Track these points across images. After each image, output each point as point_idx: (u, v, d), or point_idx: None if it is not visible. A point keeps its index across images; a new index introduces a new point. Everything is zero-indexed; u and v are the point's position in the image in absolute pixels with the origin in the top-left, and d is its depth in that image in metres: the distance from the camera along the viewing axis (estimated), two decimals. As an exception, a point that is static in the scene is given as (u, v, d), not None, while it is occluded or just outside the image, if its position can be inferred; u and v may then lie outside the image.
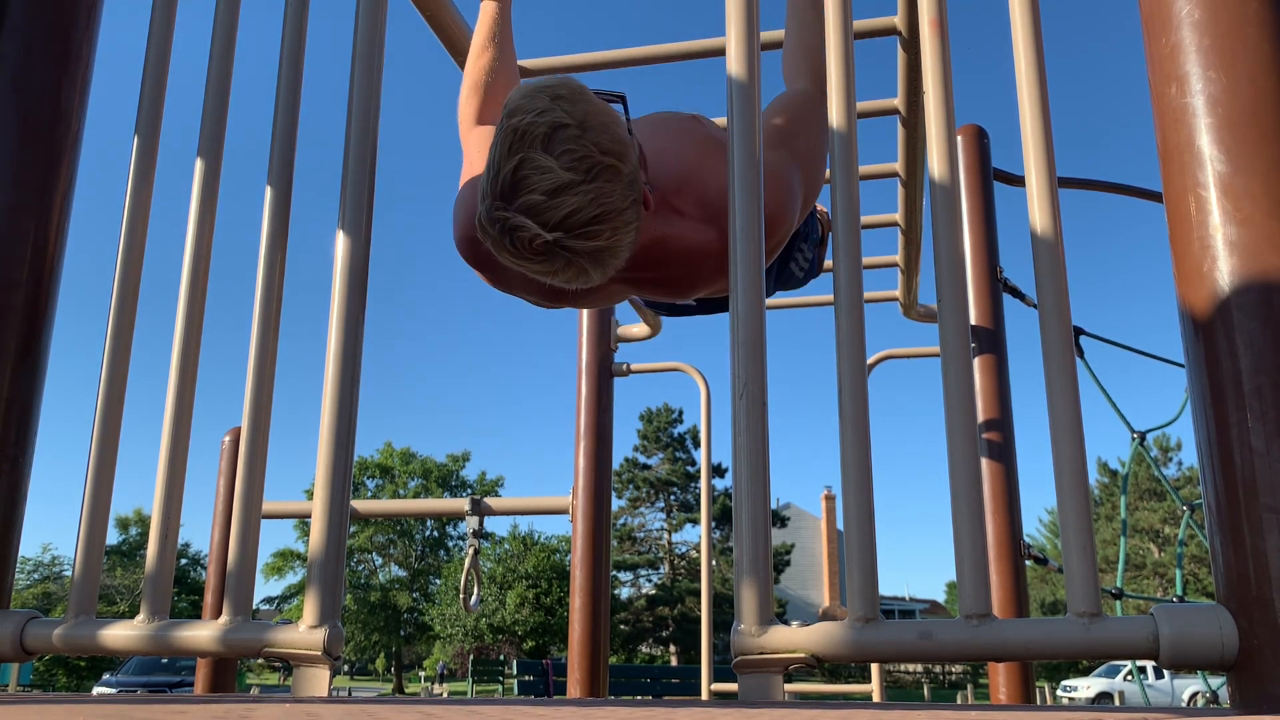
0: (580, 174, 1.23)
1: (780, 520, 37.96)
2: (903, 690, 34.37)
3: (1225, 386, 0.95)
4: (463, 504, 3.44)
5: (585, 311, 3.82)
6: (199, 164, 1.30)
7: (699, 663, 4.72)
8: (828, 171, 1.63)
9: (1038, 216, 1.09)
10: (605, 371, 3.79)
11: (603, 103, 1.32)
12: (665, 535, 35.70)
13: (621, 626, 32.13)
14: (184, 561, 34.82)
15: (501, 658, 30.10)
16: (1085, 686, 25.78)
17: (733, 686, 4.37)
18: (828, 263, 2.76)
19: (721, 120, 1.62)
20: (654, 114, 1.71)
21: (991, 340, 3.24)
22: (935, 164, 1.14)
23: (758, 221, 1.11)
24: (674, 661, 32.02)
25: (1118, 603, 3.60)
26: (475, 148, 1.75)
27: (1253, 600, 0.91)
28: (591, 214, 1.24)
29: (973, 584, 0.98)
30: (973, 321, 3.28)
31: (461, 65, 2.35)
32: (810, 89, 1.63)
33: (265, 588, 40.31)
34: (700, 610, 4.28)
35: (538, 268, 1.29)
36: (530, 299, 1.66)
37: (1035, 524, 42.11)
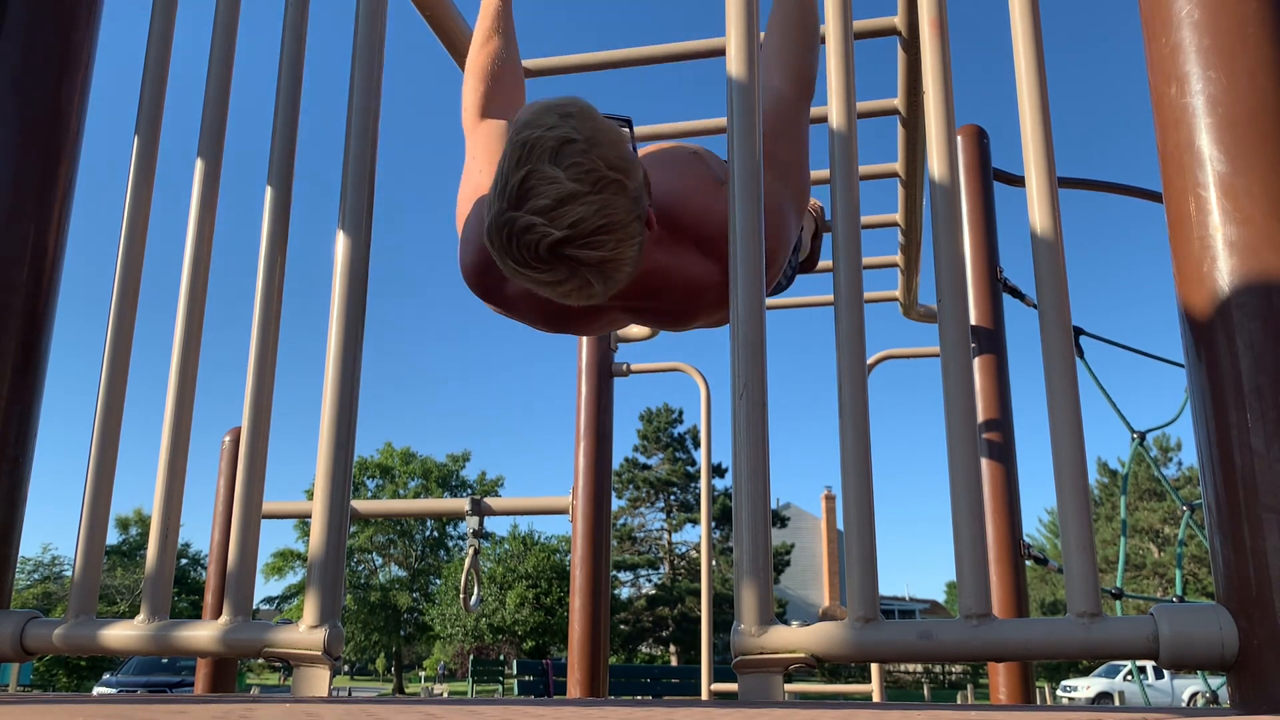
0: (586, 185, 1.25)
1: (780, 520, 37.94)
2: (903, 690, 34.35)
3: (1225, 386, 0.95)
4: (463, 504, 3.44)
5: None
6: (199, 164, 1.30)
7: (699, 663, 4.72)
8: (826, 171, 1.63)
9: (1038, 216, 1.09)
10: (605, 371, 3.79)
11: (610, 123, 1.34)
12: (665, 535, 35.69)
13: (621, 626, 32.12)
14: (184, 561, 34.82)
15: (501, 658, 30.10)
16: (1085, 686, 25.78)
17: (733, 686, 4.37)
18: (827, 262, 2.76)
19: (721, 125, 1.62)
20: (657, 148, 1.70)
21: (991, 340, 3.24)
22: (935, 164, 1.14)
23: (758, 223, 1.11)
24: (674, 661, 32.01)
25: (1118, 603, 3.60)
26: (479, 144, 1.74)
27: (1253, 600, 0.91)
28: (596, 224, 1.26)
29: (973, 584, 0.98)
30: (973, 321, 3.28)
31: (462, 65, 2.35)
32: (785, 90, 1.60)
33: (265, 588, 40.37)
34: (700, 610, 4.28)
35: (543, 276, 1.29)
36: (535, 324, 1.67)
37: (1035, 524, 42.13)
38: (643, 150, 1.72)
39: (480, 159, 1.72)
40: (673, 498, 35.57)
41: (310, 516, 1.24)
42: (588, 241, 1.26)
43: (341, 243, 1.21)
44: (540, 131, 1.26)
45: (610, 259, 1.29)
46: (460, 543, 36.34)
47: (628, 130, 1.43)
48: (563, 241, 1.24)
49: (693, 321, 1.61)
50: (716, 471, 33.02)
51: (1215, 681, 4.90)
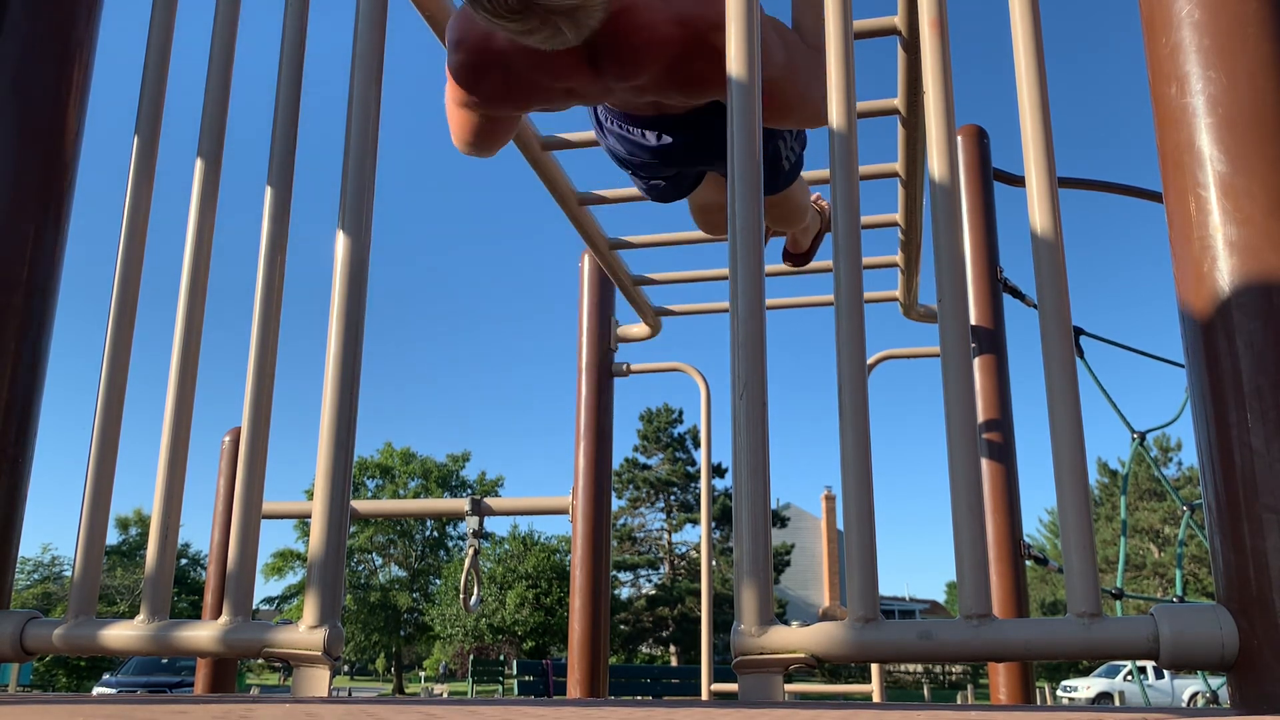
0: None
1: (780, 520, 37.93)
2: (903, 690, 34.35)
3: (1225, 386, 0.95)
4: (463, 504, 3.44)
5: (585, 312, 3.82)
6: (199, 164, 1.29)
7: (699, 663, 4.72)
8: (826, 171, 1.63)
9: (1038, 216, 1.09)
10: (605, 371, 3.78)
11: None
12: (665, 535, 35.68)
13: (621, 626, 32.11)
14: (184, 561, 34.82)
15: (501, 658, 30.09)
16: (1085, 686, 25.78)
17: (733, 687, 4.37)
18: (828, 262, 2.76)
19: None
20: None
21: (991, 340, 3.24)
22: (935, 164, 1.14)
23: (758, 222, 1.11)
24: (674, 661, 32.00)
25: (1118, 603, 3.60)
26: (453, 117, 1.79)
27: (1253, 600, 0.91)
28: None
29: (973, 584, 0.98)
30: (973, 321, 3.28)
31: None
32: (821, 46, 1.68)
33: (265, 588, 40.32)
34: (700, 610, 4.28)
35: (514, 26, 1.38)
36: (527, 106, 1.76)
37: (1035, 524, 42.17)
38: None
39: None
40: (673, 498, 35.56)
41: (310, 516, 1.24)
42: None
43: (341, 243, 1.21)
44: None
45: (579, 6, 1.37)
46: (460, 543, 36.33)
47: None
48: None
49: (649, 81, 1.62)
50: (716, 471, 33.02)
51: (1215, 681, 4.89)
